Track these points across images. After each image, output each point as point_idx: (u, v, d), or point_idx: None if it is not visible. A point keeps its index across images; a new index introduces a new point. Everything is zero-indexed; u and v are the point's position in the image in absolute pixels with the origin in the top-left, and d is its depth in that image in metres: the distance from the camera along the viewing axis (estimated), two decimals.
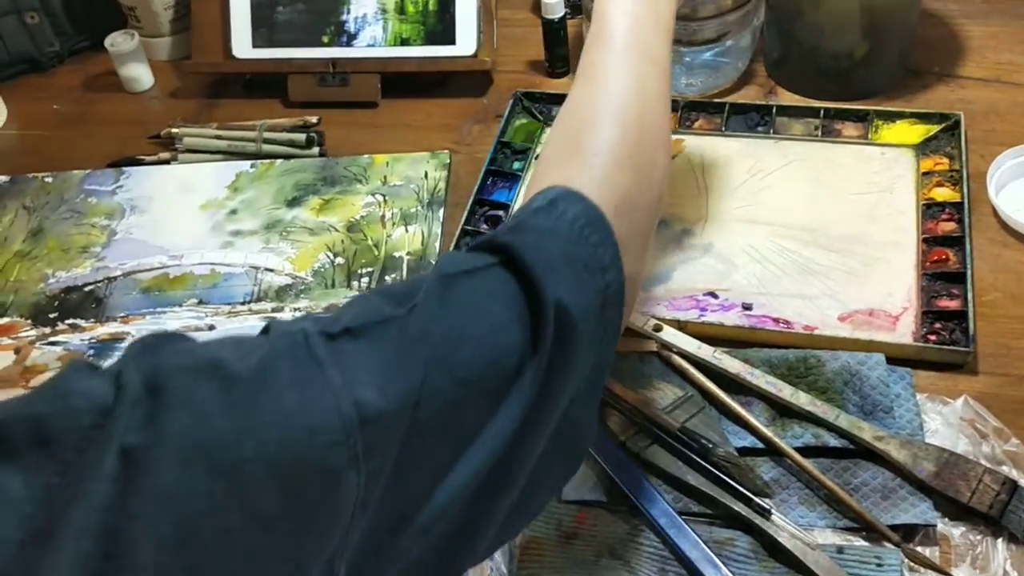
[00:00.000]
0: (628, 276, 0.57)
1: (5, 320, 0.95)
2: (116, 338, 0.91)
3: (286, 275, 0.95)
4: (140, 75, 1.22)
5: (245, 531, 0.40)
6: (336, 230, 0.98)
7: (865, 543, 0.70)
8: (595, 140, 0.61)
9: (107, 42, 1.20)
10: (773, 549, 0.70)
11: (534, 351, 0.50)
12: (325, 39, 1.14)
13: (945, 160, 0.95)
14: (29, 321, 0.94)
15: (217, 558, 0.40)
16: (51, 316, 0.94)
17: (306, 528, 0.42)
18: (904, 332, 0.82)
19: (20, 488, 0.37)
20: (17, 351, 0.91)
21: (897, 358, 0.80)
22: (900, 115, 1.00)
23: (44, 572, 0.36)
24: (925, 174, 0.94)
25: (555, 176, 0.59)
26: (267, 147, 1.09)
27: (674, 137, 1.03)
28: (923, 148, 0.97)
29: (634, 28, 0.66)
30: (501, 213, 0.98)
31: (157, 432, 0.39)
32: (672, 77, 1.05)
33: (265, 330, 0.47)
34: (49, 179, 1.09)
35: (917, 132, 0.98)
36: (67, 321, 0.93)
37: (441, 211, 0.99)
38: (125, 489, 0.38)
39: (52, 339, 0.92)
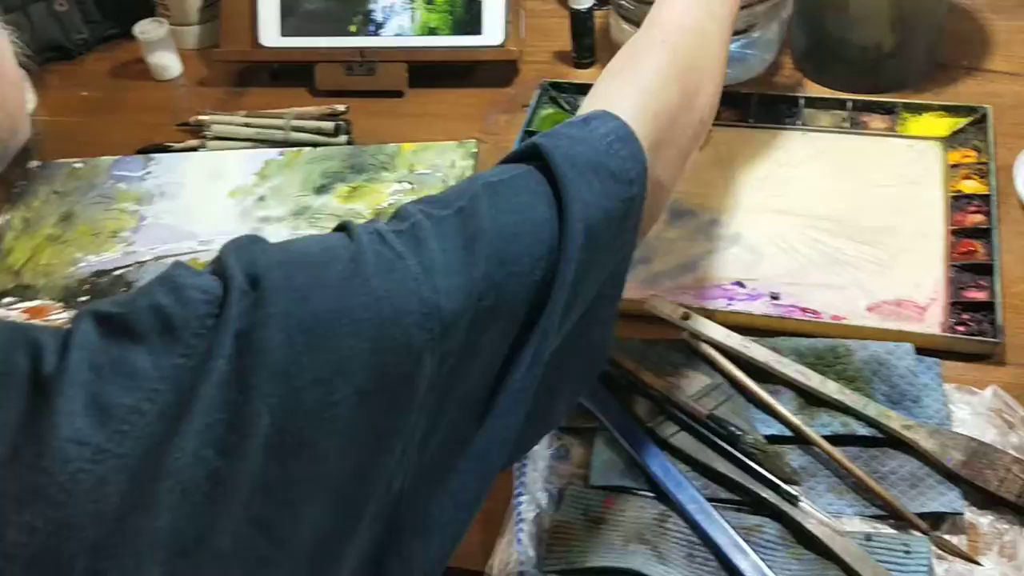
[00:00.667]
0: (658, 181, 0.62)
1: (36, 303, 0.95)
2: None
3: None
4: (168, 63, 1.23)
5: (343, 404, 0.45)
6: (364, 217, 0.99)
7: (893, 531, 0.70)
8: (644, 62, 0.66)
9: (136, 30, 1.21)
10: (801, 536, 0.70)
11: (561, 249, 0.54)
12: (352, 28, 1.14)
13: (973, 153, 0.95)
14: (60, 304, 0.95)
15: (319, 427, 0.44)
16: (81, 299, 0.95)
17: (394, 402, 0.47)
18: (932, 323, 0.82)
19: (151, 368, 0.42)
20: None
21: (925, 348, 0.80)
22: (928, 108, 1.00)
23: (179, 441, 0.41)
24: (953, 166, 0.94)
25: (601, 90, 0.65)
26: (295, 135, 1.09)
27: None
28: (951, 141, 0.97)
29: None
30: None
31: (263, 315, 0.44)
32: None
33: (340, 228, 0.51)
34: (79, 165, 1.10)
35: (945, 125, 0.98)
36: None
37: None
38: (241, 366, 0.43)
39: None
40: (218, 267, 0.46)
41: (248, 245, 0.48)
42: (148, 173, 1.08)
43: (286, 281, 0.45)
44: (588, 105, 0.64)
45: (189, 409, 0.42)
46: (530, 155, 0.57)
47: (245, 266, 0.46)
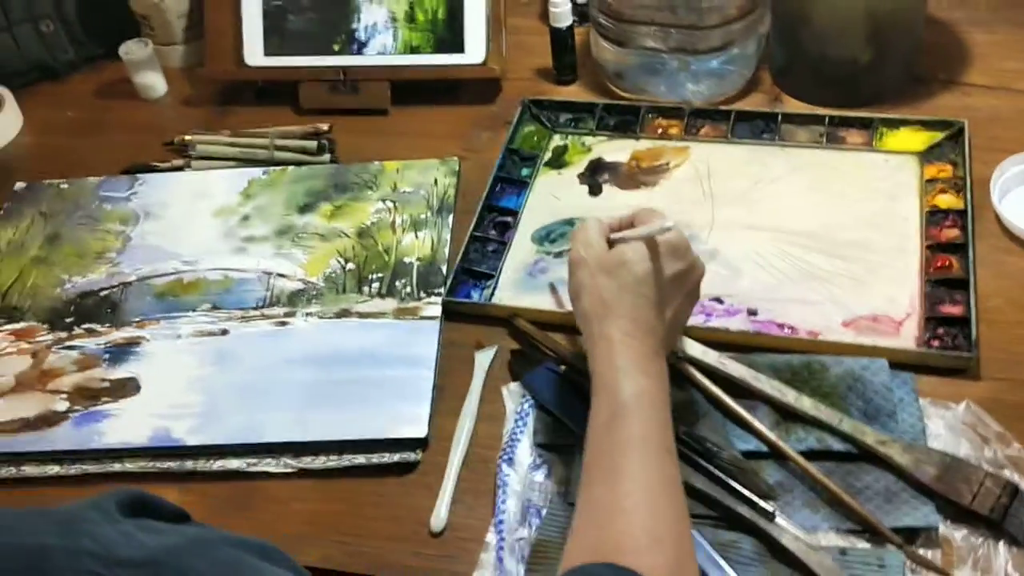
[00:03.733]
0: None
1: (22, 324, 0.96)
2: (131, 342, 0.93)
3: (298, 280, 0.96)
4: (154, 83, 1.23)
5: None
6: (347, 236, 1.00)
7: (868, 545, 0.71)
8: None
9: (121, 50, 1.22)
10: (776, 551, 0.71)
11: None
12: (336, 47, 1.15)
13: (949, 167, 0.96)
14: (46, 325, 0.96)
15: None
16: (67, 320, 0.96)
17: None
18: (907, 337, 0.83)
19: None
20: (34, 355, 0.93)
21: (900, 363, 0.81)
22: (904, 122, 1.01)
23: None
24: (929, 181, 0.95)
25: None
26: (279, 154, 1.10)
27: (680, 144, 1.04)
28: (927, 155, 0.98)
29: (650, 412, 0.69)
30: (509, 219, 0.99)
31: None
32: (679, 85, 1.07)
33: None
34: (65, 186, 1.11)
35: (921, 139, 0.99)
36: (83, 326, 0.95)
37: (451, 217, 1.00)
38: None
39: (68, 343, 0.94)
40: None
41: None
42: (133, 193, 1.08)
43: None
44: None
45: None
46: None
47: None
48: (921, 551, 0.70)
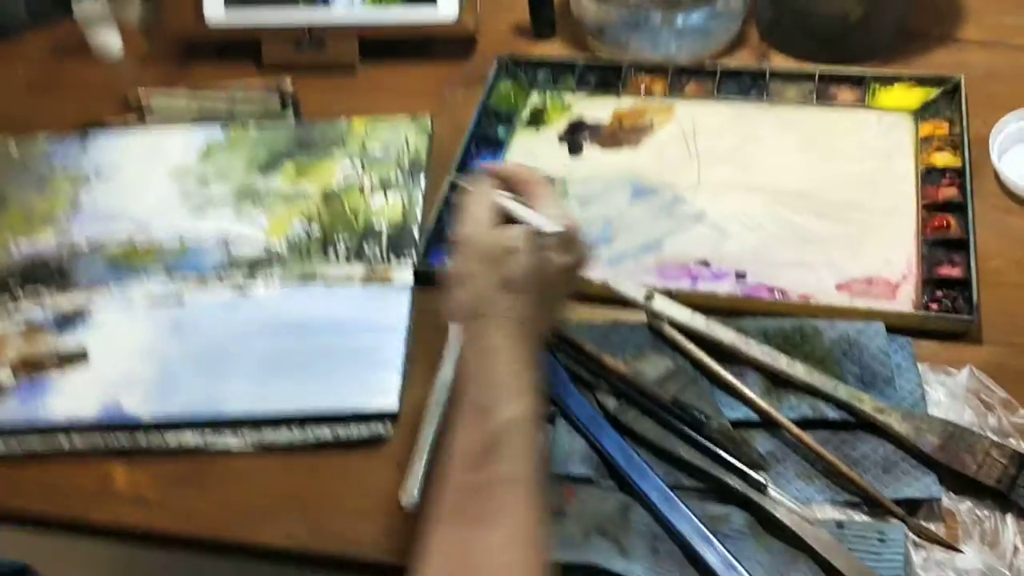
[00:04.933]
0: None
1: None
2: (80, 310, 0.87)
3: (259, 244, 0.91)
4: (109, 41, 1.17)
5: None
6: (312, 197, 0.94)
7: (866, 518, 0.67)
8: None
9: (75, 7, 1.15)
10: (769, 524, 0.67)
11: None
12: (301, 1, 1.09)
13: (945, 125, 0.92)
14: None
15: None
16: (12, 287, 0.90)
17: None
18: (904, 301, 0.79)
19: None
20: None
21: (897, 327, 0.76)
22: (898, 79, 0.97)
23: None
24: (924, 139, 0.91)
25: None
26: (239, 110, 1.04)
27: (664, 102, 0.99)
28: (922, 113, 0.94)
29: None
30: None
31: None
32: (663, 41, 1.02)
33: None
34: (12, 146, 1.05)
35: (915, 96, 0.95)
36: (29, 292, 0.89)
37: (422, 177, 0.95)
38: None
39: (14, 311, 0.88)
40: None
41: None
42: (84, 154, 1.02)
43: None
44: None
45: None
46: None
47: None
48: (923, 524, 0.66)
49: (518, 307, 0.63)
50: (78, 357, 0.83)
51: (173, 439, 0.78)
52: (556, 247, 0.64)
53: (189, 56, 1.15)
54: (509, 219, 0.65)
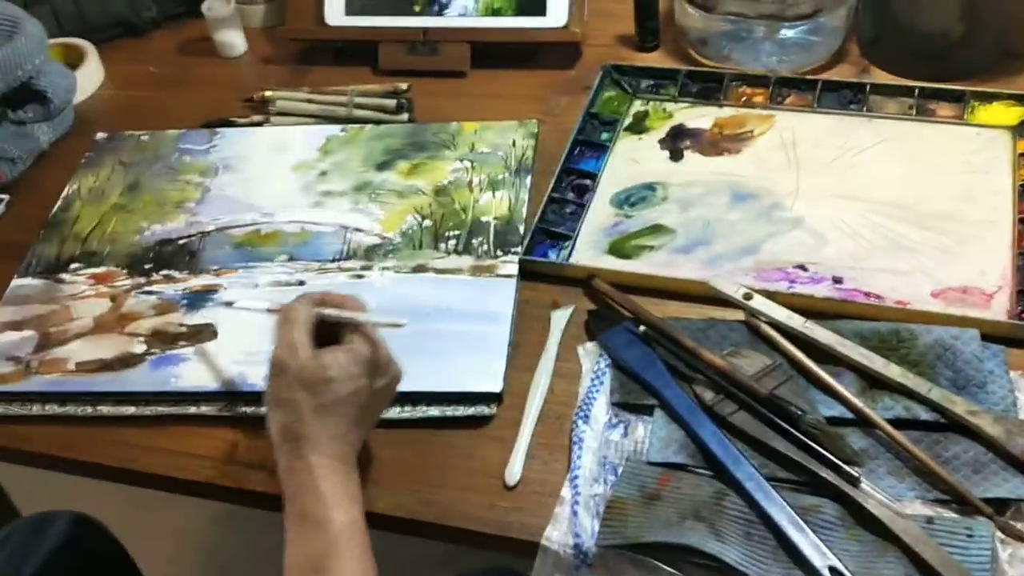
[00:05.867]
0: None
1: (102, 269, 0.97)
2: (208, 289, 0.93)
3: (375, 235, 0.96)
4: (234, 40, 1.24)
5: None
6: (424, 193, 0.99)
7: (955, 515, 0.69)
8: None
9: (204, 7, 1.22)
10: (860, 517, 0.69)
11: None
12: (416, 8, 1.15)
13: None
14: (125, 271, 0.97)
15: None
16: (146, 267, 0.97)
17: None
18: (999, 310, 0.81)
19: None
20: (113, 299, 0.94)
21: (991, 336, 0.78)
22: (997, 96, 0.98)
23: None
24: (1022, 155, 0.93)
25: None
26: (357, 112, 1.10)
27: (764, 112, 1.02)
28: (1020, 130, 0.95)
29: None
30: (588, 182, 0.98)
31: None
32: (764, 54, 1.06)
33: None
34: (145, 137, 1.12)
35: (1014, 114, 0.97)
36: (161, 272, 0.96)
37: (528, 178, 1.00)
38: None
39: (147, 288, 0.94)
40: None
41: None
42: (213, 146, 1.09)
43: None
44: None
45: None
46: None
47: None
48: (1011, 523, 0.68)
49: (333, 428, 0.68)
50: (206, 332, 0.89)
51: None
52: (372, 372, 0.69)
53: (309, 58, 1.22)
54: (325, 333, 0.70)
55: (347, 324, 0.71)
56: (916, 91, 1.00)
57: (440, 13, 1.14)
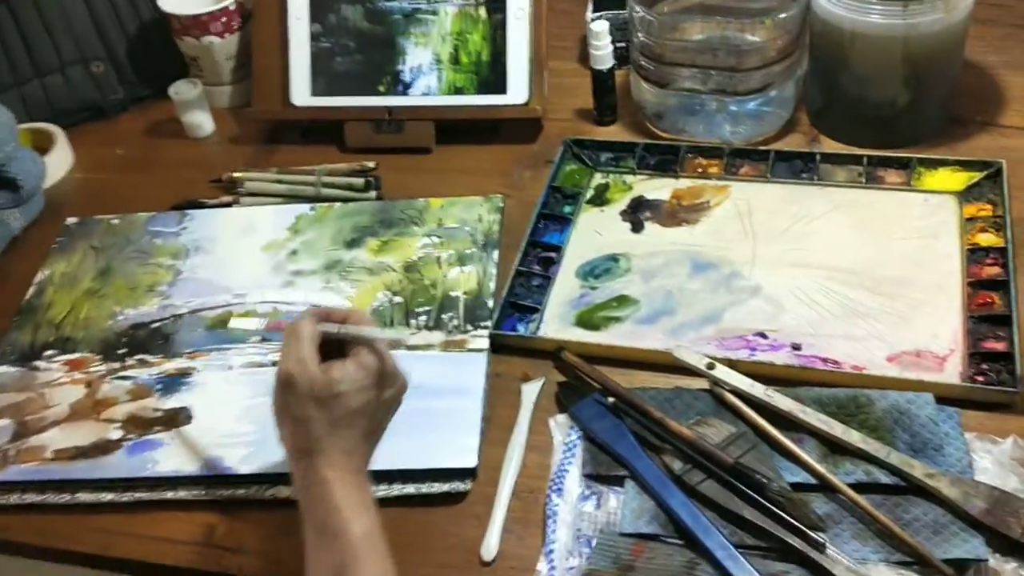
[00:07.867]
0: None
1: (76, 355, 0.98)
2: (183, 373, 0.94)
3: None
4: (202, 122, 1.26)
5: None
6: (394, 270, 1.02)
7: None
8: None
9: (171, 90, 1.25)
10: None
11: None
12: (381, 88, 1.18)
13: (988, 206, 0.97)
14: (99, 356, 0.98)
15: None
16: (120, 352, 0.98)
17: None
18: (952, 373, 0.84)
19: None
20: (88, 384, 0.95)
21: (945, 398, 0.82)
22: (943, 162, 1.03)
23: None
24: (968, 220, 0.97)
25: None
26: (326, 191, 1.13)
27: (720, 183, 1.06)
28: (966, 195, 0.99)
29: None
30: (553, 255, 1.01)
31: None
32: (717, 126, 1.09)
33: None
34: (115, 221, 1.14)
35: (960, 179, 1.01)
36: (136, 356, 0.97)
37: (496, 252, 1.02)
38: None
39: (121, 373, 0.95)
40: None
41: None
42: (183, 228, 1.11)
43: None
44: None
45: None
46: None
47: None
48: None
49: (346, 441, 0.69)
50: (181, 416, 0.91)
51: (270, 492, 0.84)
52: (381, 384, 0.70)
53: (276, 137, 1.24)
54: (331, 349, 0.71)
55: (352, 339, 0.72)
56: (864, 159, 1.04)
57: (404, 92, 1.18)
